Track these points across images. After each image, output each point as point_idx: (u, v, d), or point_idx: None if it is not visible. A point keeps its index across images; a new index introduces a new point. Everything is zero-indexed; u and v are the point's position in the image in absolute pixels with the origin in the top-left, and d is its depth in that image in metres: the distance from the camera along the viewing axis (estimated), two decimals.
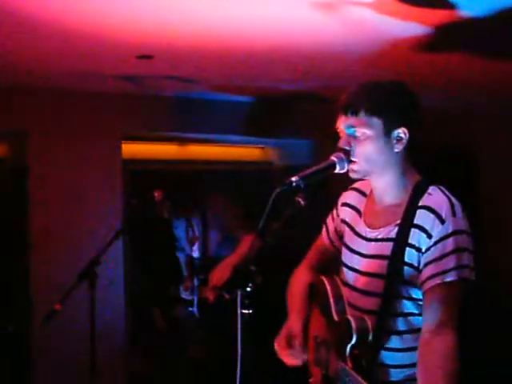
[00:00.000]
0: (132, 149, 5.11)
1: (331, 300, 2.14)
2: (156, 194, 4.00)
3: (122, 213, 4.31)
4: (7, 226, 4.93)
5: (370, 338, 1.97)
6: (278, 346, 2.27)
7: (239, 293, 1.77)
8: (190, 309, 4.33)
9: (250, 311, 1.77)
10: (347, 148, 2.02)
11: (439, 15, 2.91)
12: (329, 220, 2.38)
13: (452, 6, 2.78)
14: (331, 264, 2.41)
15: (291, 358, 2.25)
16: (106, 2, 2.68)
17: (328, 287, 2.17)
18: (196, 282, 4.31)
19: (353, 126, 2.02)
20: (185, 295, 4.37)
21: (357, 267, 2.14)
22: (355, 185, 2.29)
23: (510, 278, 5.44)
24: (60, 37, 3.18)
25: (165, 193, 4.17)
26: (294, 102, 5.19)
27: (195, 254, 4.39)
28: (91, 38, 3.19)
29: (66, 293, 3.22)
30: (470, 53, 3.62)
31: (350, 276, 2.18)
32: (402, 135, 2.02)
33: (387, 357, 2.03)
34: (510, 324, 5.05)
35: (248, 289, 1.76)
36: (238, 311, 1.78)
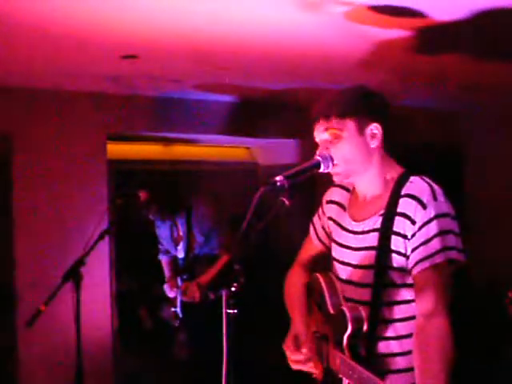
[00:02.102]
0: (117, 149, 5.10)
1: (326, 295, 2.17)
2: (141, 195, 3.99)
3: (107, 213, 4.29)
4: None
5: (365, 326, 2.00)
6: (288, 349, 2.28)
7: (224, 292, 1.78)
8: (173, 309, 4.31)
9: (235, 311, 1.78)
10: (327, 153, 2.08)
11: (414, 22, 2.95)
12: (315, 219, 2.42)
13: (424, 15, 2.82)
14: (322, 262, 2.44)
15: (300, 364, 2.26)
16: (90, 2, 2.67)
17: (322, 283, 2.20)
18: (180, 282, 4.30)
19: (327, 130, 2.09)
20: (171, 294, 4.36)
21: (348, 261, 2.19)
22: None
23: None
24: (44, 37, 3.16)
25: (150, 194, 4.17)
26: (279, 101, 5.19)
27: (180, 254, 4.38)
28: (75, 37, 3.18)
29: (51, 294, 3.21)
30: (456, 54, 3.65)
31: (341, 270, 2.22)
32: (376, 131, 2.11)
33: (384, 346, 2.07)
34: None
35: (233, 288, 1.77)
36: (223, 311, 1.78)
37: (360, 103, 2.11)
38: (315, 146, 2.17)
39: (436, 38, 3.28)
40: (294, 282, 2.42)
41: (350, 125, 2.08)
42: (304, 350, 2.22)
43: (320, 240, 2.40)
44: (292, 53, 3.59)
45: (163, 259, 4.53)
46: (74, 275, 3.26)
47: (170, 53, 3.55)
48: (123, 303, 5.28)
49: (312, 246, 2.44)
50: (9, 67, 3.82)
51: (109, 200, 4.72)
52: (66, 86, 4.43)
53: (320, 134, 2.12)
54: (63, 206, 4.57)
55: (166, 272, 4.50)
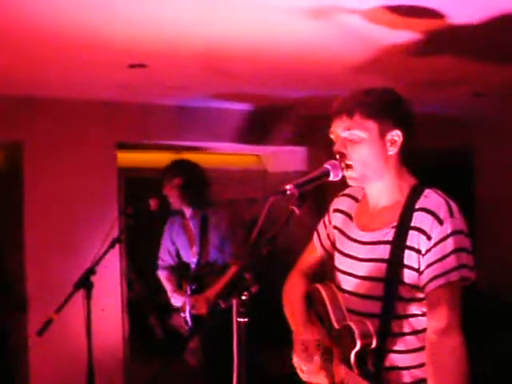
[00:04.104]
0: (127, 157, 5.12)
1: (329, 309, 2.13)
2: (151, 203, 3.98)
3: (118, 221, 4.30)
4: (3, 235, 4.92)
5: (374, 341, 1.98)
6: (300, 360, 2.22)
7: (234, 301, 1.78)
8: (183, 314, 4.29)
9: (246, 319, 1.78)
10: (343, 151, 2.04)
11: (428, 24, 2.94)
12: (320, 226, 2.39)
13: (440, 16, 2.81)
14: (323, 270, 2.42)
15: (311, 375, 2.19)
16: (99, 12, 2.68)
17: (324, 296, 2.17)
18: (189, 290, 4.28)
19: (348, 129, 2.05)
20: (178, 303, 4.34)
21: (352, 271, 2.15)
22: (347, 191, 2.31)
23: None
24: (54, 47, 3.18)
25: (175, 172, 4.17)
26: (288, 109, 5.20)
27: (193, 257, 4.34)
28: (85, 47, 3.20)
29: (62, 302, 3.22)
30: (463, 58, 3.64)
31: (345, 281, 2.18)
32: (396, 138, 2.06)
33: (393, 359, 2.04)
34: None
35: (243, 297, 1.77)
36: (234, 319, 1.78)
37: (386, 106, 2.06)
38: (324, 153, 2.15)
39: (446, 41, 3.27)
40: (295, 291, 2.37)
41: (373, 127, 2.03)
42: (316, 358, 2.15)
43: (324, 248, 2.36)
44: (301, 61, 3.60)
45: (162, 274, 4.47)
46: (85, 283, 3.27)
47: (179, 62, 3.57)
48: (134, 311, 5.29)
49: (314, 254, 2.40)
50: (18, 76, 3.84)
51: (119, 208, 4.74)
52: (76, 95, 4.45)
53: (340, 131, 2.06)
54: (74, 213, 4.59)
55: (168, 286, 4.44)
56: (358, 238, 2.15)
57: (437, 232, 1.96)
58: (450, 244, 1.95)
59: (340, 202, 2.32)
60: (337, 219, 2.29)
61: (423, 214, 2.00)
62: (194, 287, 4.25)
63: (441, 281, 1.94)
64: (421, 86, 4.38)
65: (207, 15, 2.77)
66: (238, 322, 1.78)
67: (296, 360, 2.24)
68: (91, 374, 3.32)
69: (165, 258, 4.45)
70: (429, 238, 1.97)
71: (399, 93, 2.13)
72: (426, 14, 2.79)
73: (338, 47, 3.33)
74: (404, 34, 3.09)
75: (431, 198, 2.03)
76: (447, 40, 3.23)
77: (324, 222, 2.37)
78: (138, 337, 5.37)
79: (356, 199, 2.26)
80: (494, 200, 5.85)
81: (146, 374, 5.14)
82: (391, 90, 2.13)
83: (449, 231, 1.96)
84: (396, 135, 2.06)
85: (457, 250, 1.95)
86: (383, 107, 2.06)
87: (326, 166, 2.02)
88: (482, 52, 3.56)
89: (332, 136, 2.11)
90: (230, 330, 1.82)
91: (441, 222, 1.96)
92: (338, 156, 2.05)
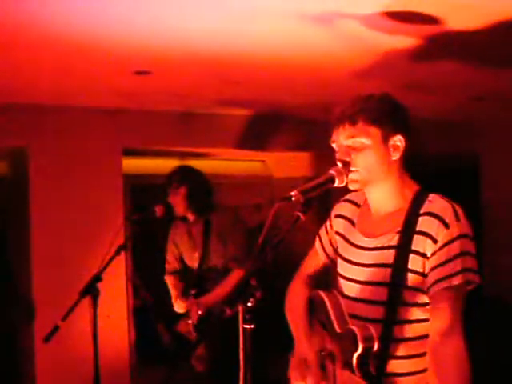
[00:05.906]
0: (132, 164, 5.13)
1: (332, 314, 2.13)
2: (157, 210, 3.98)
3: (124, 228, 4.31)
4: (10, 241, 4.94)
5: (376, 345, 1.98)
6: (294, 379, 2.20)
7: (240, 308, 1.78)
8: (189, 321, 4.29)
9: (252, 326, 1.78)
10: (347, 159, 2.04)
11: (429, 30, 2.95)
12: (322, 232, 2.39)
13: (440, 22, 2.82)
14: (325, 276, 2.42)
15: None
16: (104, 19, 2.70)
17: (327, 301, 2.16)
18: (192, 296, 4.26)
19: (352, 137, 2.05)
20: (181, 310, 4.33)
21: (356, 277, 2.15)
22: (348, 196, 2.31)
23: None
24: (59, 54, 3.20)
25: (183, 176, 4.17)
26: (293, 115, 5.20)
27: (195, 263, 4.33)
28: (90, 54, 3.22)
29: (69, 309, 3.22)
30: (464, 63, 3.64)
31: (348, 287, 2.18)
32: (399, 143, 2.07)
33: (395, 365, 2.04)
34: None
35: (249, 304, 1.77)
36: (240, 326, 1.78)
37: (387, 112, 2.06)
38: (329, 158, 2.15)
39: (446, 46, 3.28)
40: (297, 298, 2.37)
41: (376, 133, 2.03)
42: (309, 381, 2.13)
43: (326, 253, 2.36)
44: (304, 67, 3.61)
45: (169, 280, 4.47)
46: (91, 290, 3.27)
47: (183, 68, 3.58)
48: (140, 318, 5.29)
49: (316, 260, 2.40)
50: (23, 84, 3.86)
51: (125, 215, 4.74)
52: (81, 102, 4.47)
53: (342, 139, 2.06)
54: (79, 220, 4.60)
55: (173, 292, 4.43)
56: (362, 244, 2.15)
57: (443, 235, 1.97)
58: (455, 247, 1.96)
59: (341, 208, 2.32)
60: (339, 225, 2.29)
61: (429, 218, 2.00)
62: (193, 292, 4.25)
63: (445, 283, 1.95)
64: (420, 91, 4.38)
65: (211, 23, 2.78)
66: (244, 329, 1.78)
67: (290, 377, 2.21)
68: (97, 380, 3.32)
69: (171, 260, 4.46)
70: (435, 241, 1.98)
71: (396, 98, 2.13)
72: (427, 20, 2.81)
73: (340, 53, 3.34)
74: (405, 40, 3.10)
75: (436, 203, 2.04)
76: (447, 45, 3.25)
77: (326, 228, 2.37)
78: (144, 343, 5.37)
79: (357, 204, 2.26)
80: (500, 204, 5.84)
81: (153, 381, 5.14)
82: (388, 95, 2.13)
83: (455, 234, 1.97)
84: (398, 140, 2.07)
85: (462, 254, 1.96)
86: (385, 113, 2.06)
87: (331, 171, 2.02)
88: (481, 57, 3.58)
89: (334, 145, 2.11)
90: (236, 336, 1.82)
91: (447, 226, 1.97)
92: (341, 165, 2.04)
